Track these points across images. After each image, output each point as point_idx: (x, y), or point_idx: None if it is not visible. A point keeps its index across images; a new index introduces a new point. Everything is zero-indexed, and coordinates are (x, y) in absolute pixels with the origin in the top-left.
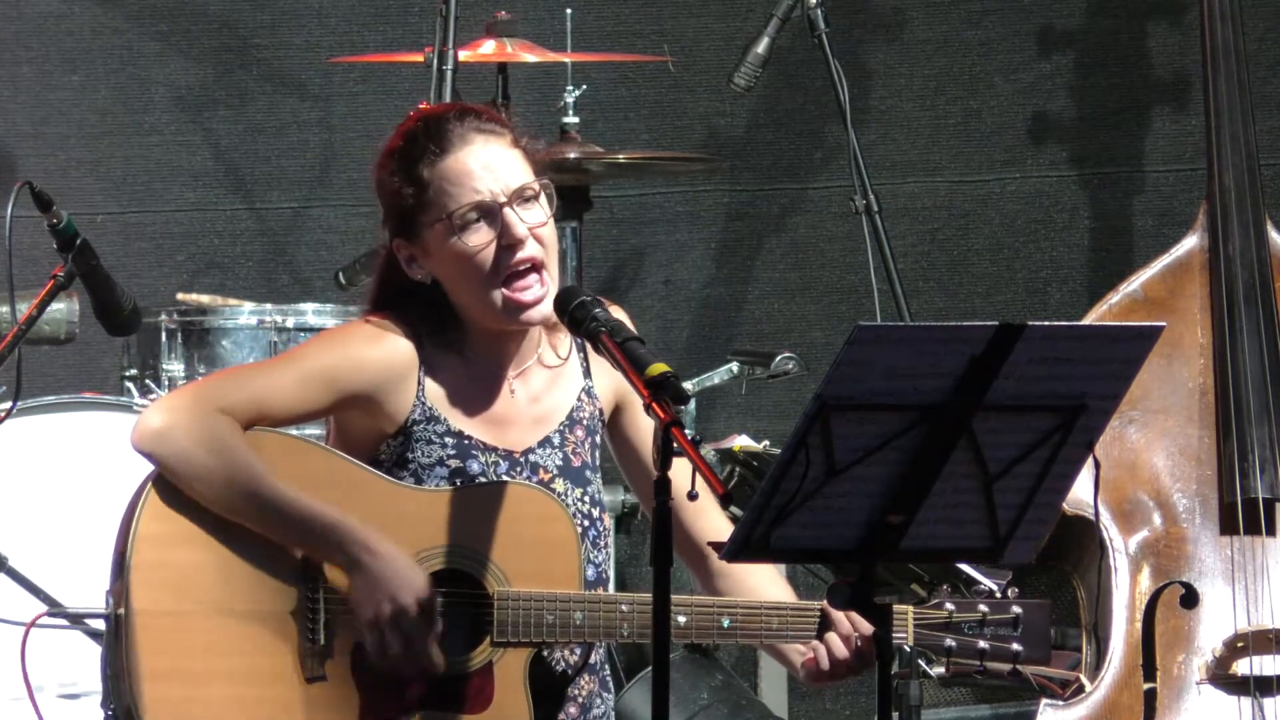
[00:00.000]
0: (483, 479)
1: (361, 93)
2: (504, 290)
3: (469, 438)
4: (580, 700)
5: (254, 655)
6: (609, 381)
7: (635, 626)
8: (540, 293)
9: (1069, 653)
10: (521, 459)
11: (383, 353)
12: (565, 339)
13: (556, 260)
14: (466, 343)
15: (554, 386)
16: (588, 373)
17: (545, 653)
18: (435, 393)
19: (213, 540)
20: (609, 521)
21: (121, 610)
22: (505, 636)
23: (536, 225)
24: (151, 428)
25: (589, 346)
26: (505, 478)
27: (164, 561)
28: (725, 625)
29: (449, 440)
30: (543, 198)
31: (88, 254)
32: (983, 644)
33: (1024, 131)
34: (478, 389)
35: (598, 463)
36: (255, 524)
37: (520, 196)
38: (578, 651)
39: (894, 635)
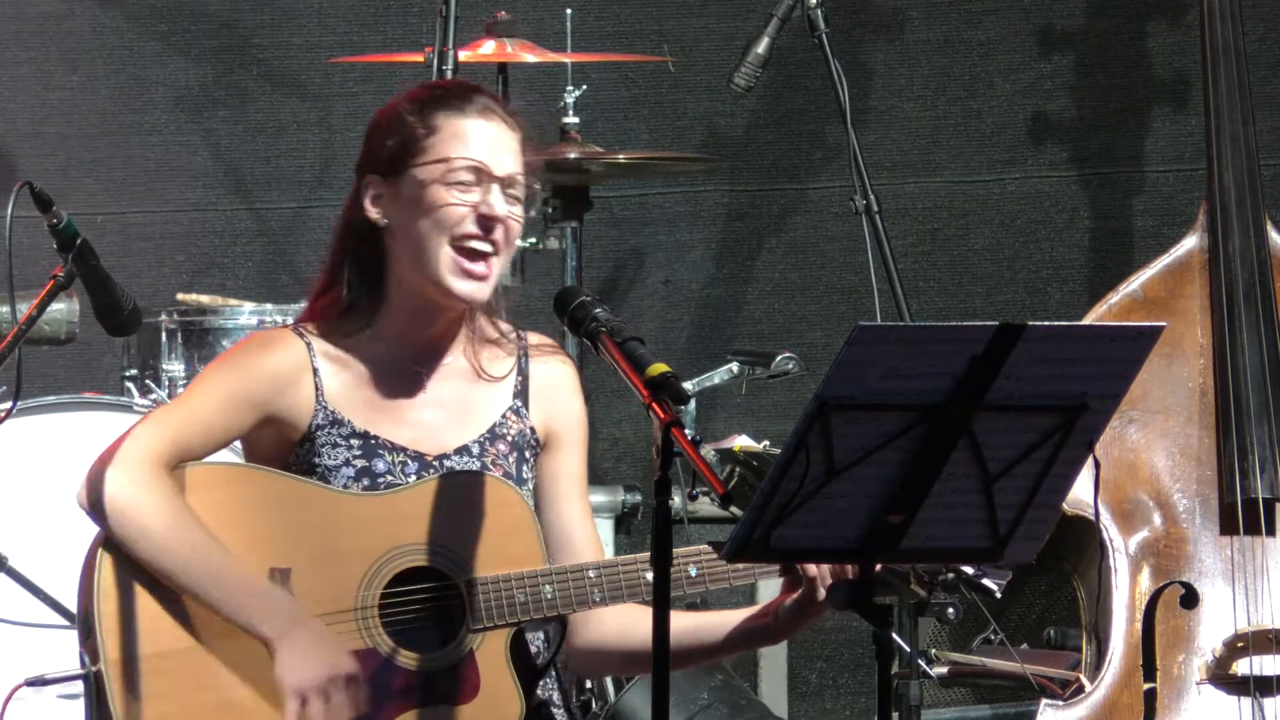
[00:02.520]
0: (389, 478)
1: (361, 93)
2: (456, 254)
3: (375, 437)
4: (559, 670)
5: (239, 684)
6: (543, 413)
7: (606, 591)
8: (485, 271)
9: (1069, 653)
10: (435, 463)
11: (274, 359)
12: (506, 361)
13: (509, 258)
14: (382, 328)
15: (473, 395)
16: (521, 395)
17: (522, 631)
18: (335, 394)
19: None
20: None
21: (99, 666)
22: (481, 622)
23: (511, 217)
24: (97, 496)
25: (531, 370)
26: (426, 474)
27: (132, 609)
28: (693, 574)
29: (354, 441)
30: (524, 202)
31: (88, 254)
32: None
33: (1024, 131)
34: (384, 385)
35: (525, 477)
36: (190, 588)
37: (511, 184)
38: (553, 624)
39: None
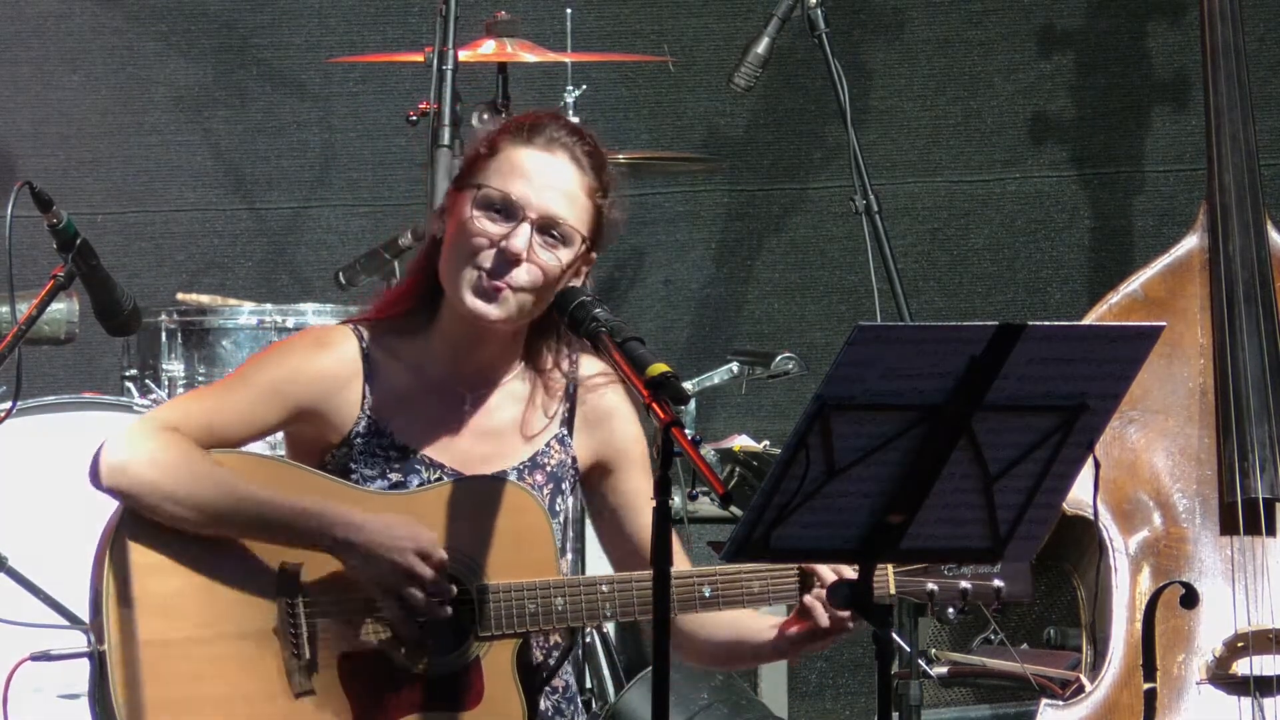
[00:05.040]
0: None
1: (361, 93)
2: (476, 272)
3: (413, 452)
4: (565, 681)
5: (242, 677)
6: (594, 440)
7: (617, 606)
8: (503, 296)
9: (1069, 653)
10: None
11: (326, 360)
12: (556, 401)
13: (542, 302)
14: (434, 346)
15: (520, 422)
16: (567, 424)
17: (530, 641)
18: (381, 403)
19: (187, 566)
20: (564, 565)
21: (105, 646)
22: (489, 630)
23: (545, 264)
24: (111, 464)
25: (580, 397)
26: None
27: (142, 592)
28: (707, 594)
29: (392, 454)
30: (567, 247)
31: (88, 254)
32: (965, 584)
33: (1024, 131)
34: (432, 403)
35: (557, 509)
36: (234, 529)
37: (549, 226)
38: (562, 635)
39: (874, 586)
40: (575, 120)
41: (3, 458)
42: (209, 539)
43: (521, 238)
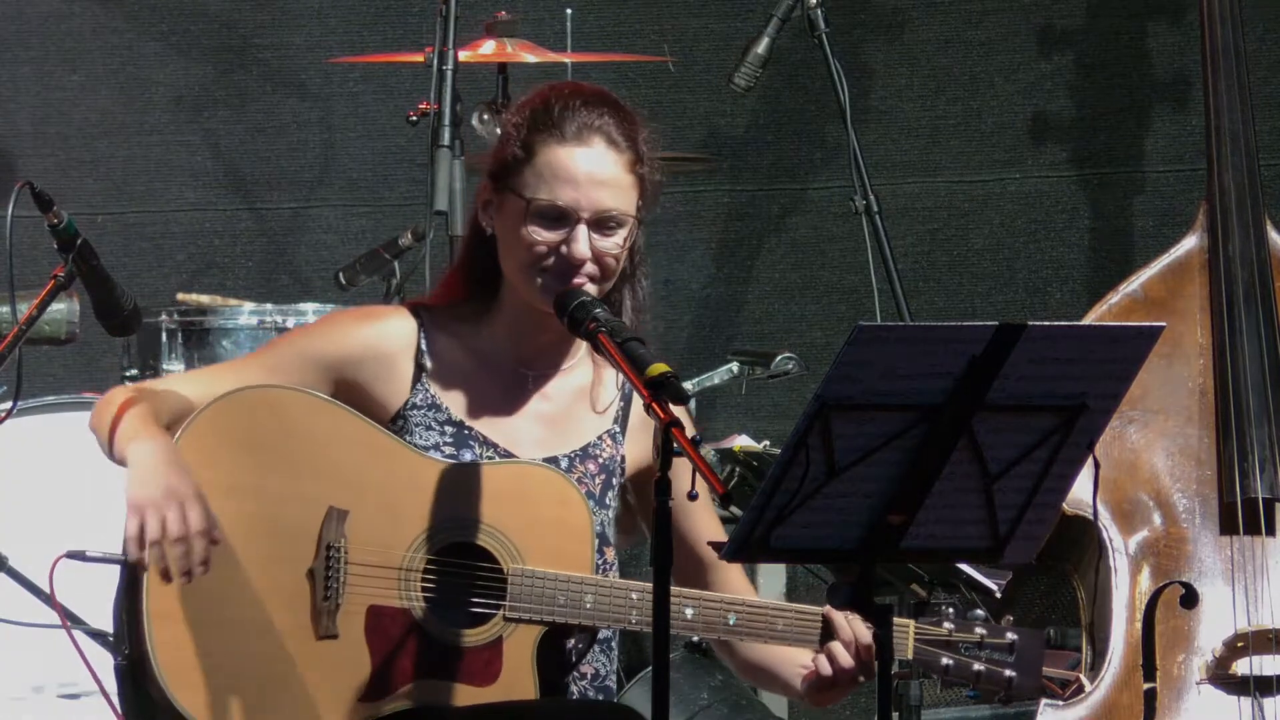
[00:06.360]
0: None
1: (361, 93)
2: (550, 277)
3: (469, 428)
4: (594, 668)
5: (270, 609)
6: (646, 446)
7: (644, 615)
8: (581, 282)
9: (1069, 653)
10: None
11: (371, 331)
12: (613, 397)
13: (611, 280)
14: (495, 326)
15: (576, 410)
16: (621, 423)
17: (554, 634)
18: (439, 377)
19: (235, 491)
20: (611, 556)
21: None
22: (517, 613)
23: (606, 252)
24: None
25: (634, 399)
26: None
27: None
28: (731, 622)
29: (448, 429)
30: (623, 228)
31: (88, 254)
32: (978, 666)
33: (1024, 131)
34: (490, 381)
35: (608, 502)
36: (98, 426)
37: (604, 220)
38: (586, 635)
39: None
40: (593, 87)
41: (3, 458)
42: (261, 467)
43: (581, 242)
